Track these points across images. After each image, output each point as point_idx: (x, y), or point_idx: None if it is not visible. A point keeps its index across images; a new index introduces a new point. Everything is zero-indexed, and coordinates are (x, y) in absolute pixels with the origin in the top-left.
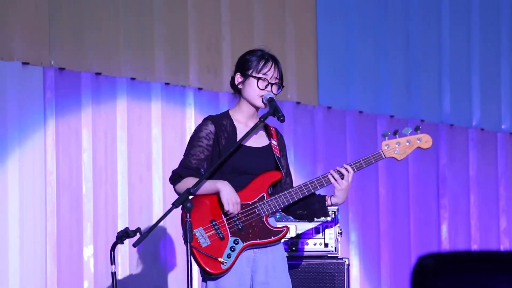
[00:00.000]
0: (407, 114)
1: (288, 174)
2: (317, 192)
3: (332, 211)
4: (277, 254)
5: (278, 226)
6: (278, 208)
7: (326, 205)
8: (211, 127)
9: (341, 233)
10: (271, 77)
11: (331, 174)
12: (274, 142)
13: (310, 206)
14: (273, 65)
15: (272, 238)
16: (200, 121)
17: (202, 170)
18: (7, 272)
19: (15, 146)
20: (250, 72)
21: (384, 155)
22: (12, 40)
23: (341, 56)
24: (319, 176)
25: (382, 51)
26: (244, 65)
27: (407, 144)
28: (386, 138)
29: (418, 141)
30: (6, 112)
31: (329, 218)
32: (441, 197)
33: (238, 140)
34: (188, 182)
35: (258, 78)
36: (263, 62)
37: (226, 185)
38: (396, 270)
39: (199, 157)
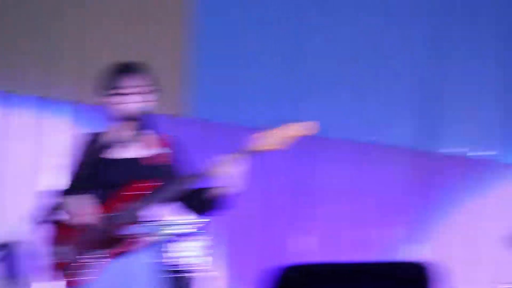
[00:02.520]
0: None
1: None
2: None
3: (202, 223)
4: (139, 264)
5: (128, 235)
6: (134, 218)
7: (206, 196)
8: None
9: (207, 246)
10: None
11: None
12: (159, 151)
13: (193, 200)
14: (127, 76)
15: (119, 249)
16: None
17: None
18: None
19: None
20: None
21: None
22: None
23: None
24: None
25: None
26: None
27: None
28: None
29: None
30: None
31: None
32: (308, 208)
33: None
34: None
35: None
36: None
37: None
38: (262, 282)
39: None
